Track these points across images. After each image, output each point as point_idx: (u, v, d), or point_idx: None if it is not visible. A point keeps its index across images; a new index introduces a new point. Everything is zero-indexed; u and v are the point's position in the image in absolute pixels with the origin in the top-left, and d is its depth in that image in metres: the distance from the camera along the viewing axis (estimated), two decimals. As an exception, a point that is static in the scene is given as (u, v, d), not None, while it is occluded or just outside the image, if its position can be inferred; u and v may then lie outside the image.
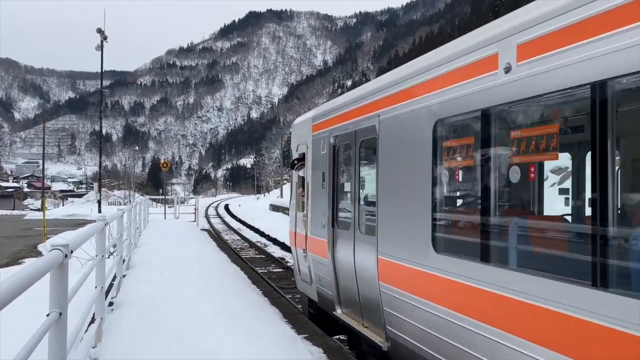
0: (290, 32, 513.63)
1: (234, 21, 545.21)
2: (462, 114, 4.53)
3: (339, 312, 7.48)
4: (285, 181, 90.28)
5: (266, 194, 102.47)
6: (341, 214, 7.51)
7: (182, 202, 65.39)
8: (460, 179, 5.13)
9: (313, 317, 8.82)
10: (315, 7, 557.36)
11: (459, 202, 5.49)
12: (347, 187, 7.36)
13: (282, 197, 64.30)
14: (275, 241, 26.36)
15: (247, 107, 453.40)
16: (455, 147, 4.89)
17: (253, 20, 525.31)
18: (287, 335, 6.48)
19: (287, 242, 24.18)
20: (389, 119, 5.85)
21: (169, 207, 33.90)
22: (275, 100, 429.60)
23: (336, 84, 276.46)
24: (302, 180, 9.10)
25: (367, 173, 7.07)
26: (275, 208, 55.13)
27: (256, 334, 6.28)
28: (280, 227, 33.28)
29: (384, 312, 5.87)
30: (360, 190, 6.93)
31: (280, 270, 17.75)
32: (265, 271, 17.10)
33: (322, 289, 8.09)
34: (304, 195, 8.86)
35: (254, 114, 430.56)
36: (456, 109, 4.56)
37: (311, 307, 9.13)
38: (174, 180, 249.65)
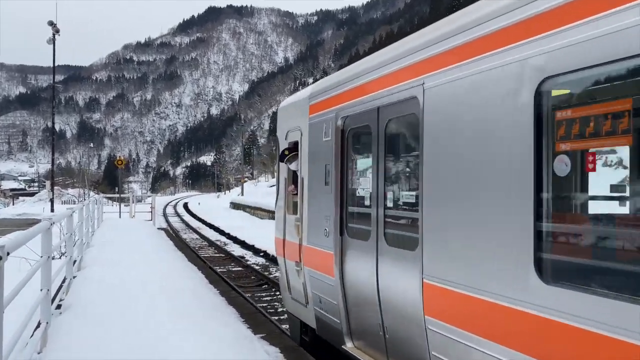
0: (251, 29, 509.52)
1: (193, 16, 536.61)
2: (601, 65, 2.84)
3: (349, 345, 5.83)
4: (246, 179, 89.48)
5: (227, 192, 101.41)
6: (355, 219, 5.88)
7: (140, 201, 63.96)
8: (598, 169, 3.28)
9: (307, 345, 7.08)
10: (275, 4, 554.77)
11: (598, 206, 3.61)
12: (365, 183, 5.67)
13: (242, 194, 63.75)
14: (235, 239, 26.09)
15: (207, 103, 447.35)
16: (586, 119, 3.05)
17: (213, 15, 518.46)
18: (244, 336, 6.37)
19: (248, 240, 24.06)
20: (442, 86, 4.07)
21: (125, 205, 33.02)
22: (236, 96, 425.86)
23: (297, 82, 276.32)
24: (294, 175, 7.39)
25: (399, 164, 5.45)
26: (236, 206, 54.60)
27: (211, 334, 6.14)
28: (241, 225, 33.01)
29: (432, 359, 4.24)
30: (387, 188, 5.19)
31: (239, 269, 17.55)
32: (225, 270, 16.87)
33: (323, 313, 6.35)
34: (296, 194, 7.14)
35: (214, 111, 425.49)
36: (586, 56, 2.89)
37: (305, 333, 7.27)
38: (131, 179, 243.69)
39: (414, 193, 4.73)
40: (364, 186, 5.68)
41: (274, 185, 60.06)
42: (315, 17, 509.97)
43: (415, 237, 4.42)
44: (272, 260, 18.97)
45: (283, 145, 7.68)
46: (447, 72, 4.03)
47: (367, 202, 5.52)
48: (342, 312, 5.85)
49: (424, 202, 4.25)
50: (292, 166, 7.32)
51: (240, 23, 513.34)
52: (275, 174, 8.81)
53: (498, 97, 3.51)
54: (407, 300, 4.55)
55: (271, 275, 15.65)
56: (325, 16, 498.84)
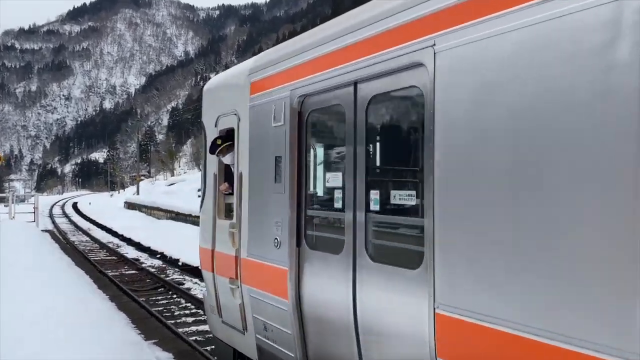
0: (149, 20, 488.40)
1: (84, 4, 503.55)
2: None
3: None
4: (142, 177, 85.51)
5: (121, 191, 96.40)
6: (319, 226, 4.82)
7: (22, 201, 59.05)
8: None
9: None
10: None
11: None
12: (335, 180, 4.53)
13: (138, 194, 60.92)
14: (129, 241, 24.87)
15: (100, 96, 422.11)
16: None
17: (107, 4, 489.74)
18: (133, 342, 6.08)
19: (144, 242, 23.03)
20: (468, 46, 3.00)
21: (5, 206, 30.20)
22: (132, 90, 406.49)
23: (199, 76, 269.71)
24: (227, 170, 6.28)
25: (389, 155, 4.33)
26: (131, 206, 52.09)
27: (97, 343, 5.78)
28: (136, 225, 31.54)
29: None
30: (370, 186, 4.04)
31: (133, 272, 16.74)
32: (117, 274, 16.00)
33: (269, 344, 5.17)
34: (231, 194, 6.00)
35: (108, 105, 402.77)
36: None
37: None
38: (12, 177, 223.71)
39: (413, 193, 3.66)
40: (334, 184, 4.46)
41: (173, 184, 57.74)
42: (218, 12, 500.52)
43: (418, 252, 3.41)
44: (170, 262, 18.34)
45: (212, 133, 6.33)
46: (478, 26, 2.92)
47: (338, 204, 4.32)
48: (298, 345, 4.67)
49: (437, 206, 3.15)
50: (226, 159, 6.13)
51: (137, 13, 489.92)
52: (201, 168, 6.94)
53: (575, 56, 2.47)
54: (405, 335, 3.48)
55: (168, 278, 15.11)
56: (228, 11, 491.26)
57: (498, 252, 2.80)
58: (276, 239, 4.85)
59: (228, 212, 6.06)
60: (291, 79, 4.80)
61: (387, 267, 3.72)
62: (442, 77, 3.16)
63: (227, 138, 5.97)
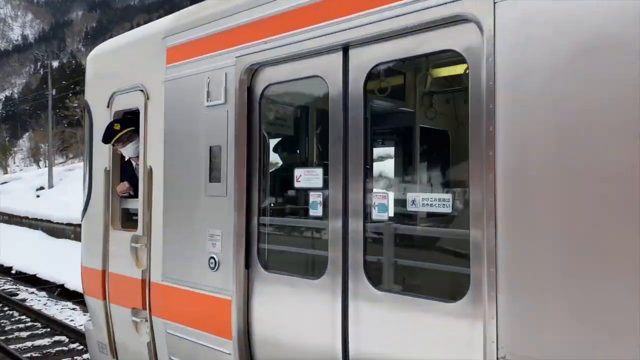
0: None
1: None
2: None
3: None
4: (-33, 174, 74.87)
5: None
6: (280, 241, 3.82)
7: None
8: None
9: None
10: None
11: None
12: (309, 179, 3.40)
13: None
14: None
15: None
16: None
17: None
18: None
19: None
20: None
21: None
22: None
23: (39, 63, 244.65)
24: (124, 165, 4.97)
25: (404, 148, 3.32)
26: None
27: None
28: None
29: None
30: (370, 186, 3.13)
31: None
32: None
33: None
34: (132, 196, 4.78)
35: None
36: None
37: None
38: None
39: (447, 197, 2.78)
40: (309, 184, 3.37)
41: (6, 183, 52.15)
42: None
43: (458, 275, 2.64)
44: (0, 271, 16.32)
45: (103, 116, 4.94)
46: None
47: (316, 211, 3.29)
48: None
49: (504, 211, 2.31)
50: (127, 150, 4.76)
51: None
52: (84, 162, 5.52)
53: None
54: None
55: (-2, 288, 13.39)
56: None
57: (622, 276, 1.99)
58: (212, 257, 3.73)
59: (127, 220, 4.83)
60: (237, 41, 3.59)
61: (401, 297, 2.76)
62: (510, 37, 2.32)
63: (128, 122, 4.68)
